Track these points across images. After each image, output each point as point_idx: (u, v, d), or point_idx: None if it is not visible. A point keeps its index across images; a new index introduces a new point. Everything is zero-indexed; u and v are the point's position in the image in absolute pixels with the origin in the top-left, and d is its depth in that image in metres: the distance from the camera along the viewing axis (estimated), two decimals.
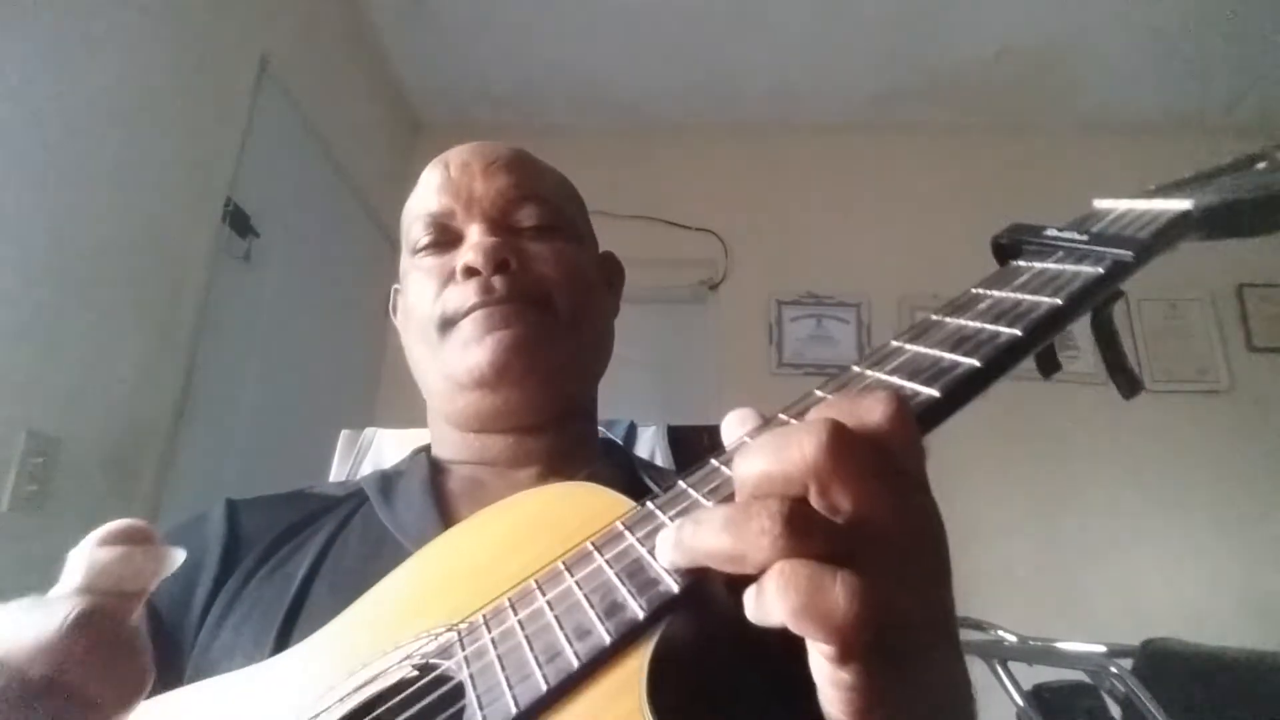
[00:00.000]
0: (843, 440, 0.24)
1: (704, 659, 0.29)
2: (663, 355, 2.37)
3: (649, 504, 0.31)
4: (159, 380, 1.44)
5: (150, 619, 0.46)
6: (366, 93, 2.43)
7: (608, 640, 0.26)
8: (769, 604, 0.23)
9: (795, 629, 0.23)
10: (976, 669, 1.41)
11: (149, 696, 0.37)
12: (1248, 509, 2.18)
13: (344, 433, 0.90)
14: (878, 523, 0.24)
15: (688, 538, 0.26)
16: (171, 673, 0.44)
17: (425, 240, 0.57)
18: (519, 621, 0.29)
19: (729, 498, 0.28)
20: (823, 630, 0.22)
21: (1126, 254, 0.33)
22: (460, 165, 0.59)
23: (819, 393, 0.32)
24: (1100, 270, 0.32)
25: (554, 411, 0.56)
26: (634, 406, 0.99)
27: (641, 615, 0.26)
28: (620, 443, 0.83)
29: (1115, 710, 1.33)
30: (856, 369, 0.32)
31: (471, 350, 0.52)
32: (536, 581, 0.31)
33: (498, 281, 0.53)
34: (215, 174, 1.61)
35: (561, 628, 0.28)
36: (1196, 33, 2.21)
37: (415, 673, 0.31)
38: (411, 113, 2.72)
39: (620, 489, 0.53)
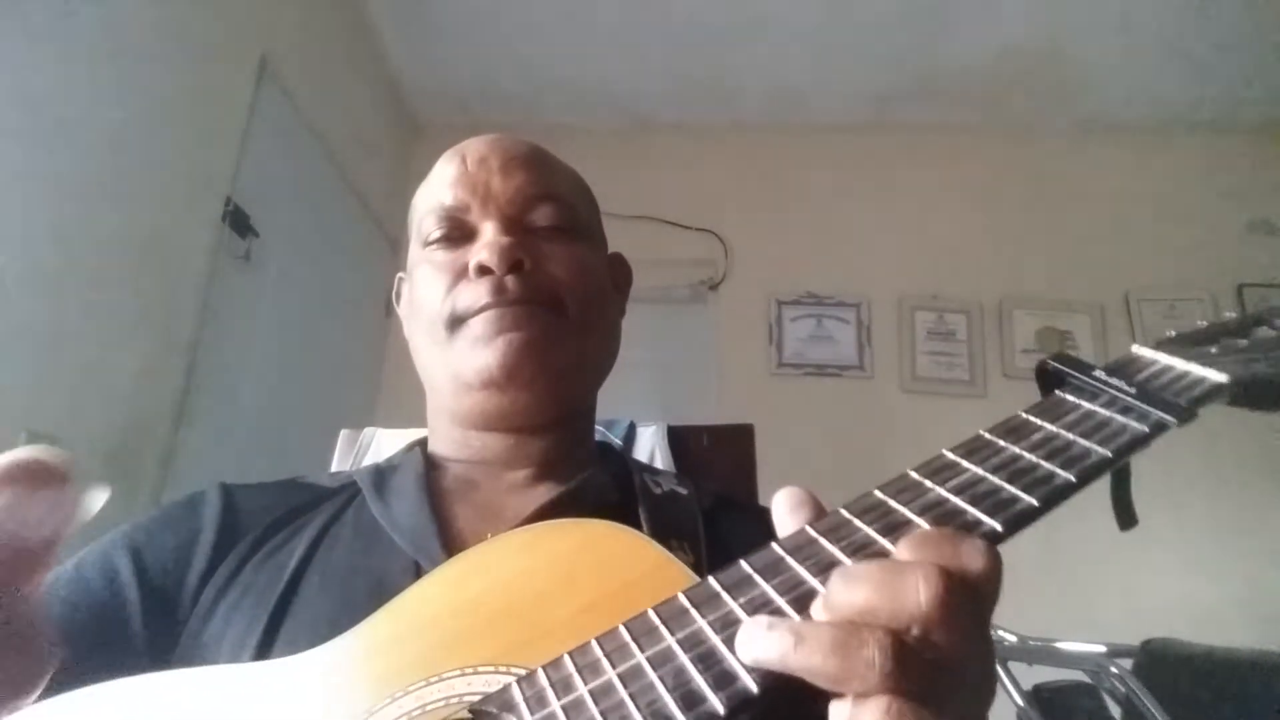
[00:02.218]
0: (953, 592, 0.25)
1: None
2: (663, 355, 2.37)
3: (712, 581, 0.31)
4: (159, 380, 1.44)
5: (141, 590, 0.46)
6: (366, 93, 2.43)
7: None
8: None
9: None
10: None
11: (145, 670, 0.36)
12: (1247, 509, 2.18)
13: (344, 432, 0.91)
14: (967, 666, 0.26)
15: (784, 646, 0.26)
16: (163, 647, 0.45)
17: (438, 233, 0.57)
18: (589, 692, 0.28)
19: (803, 599, 0.29)
20: None
21: (1170, 419, 0.36)
22: (478, 159, 0.58)
23: (880, 494, 0.33)
24: (1145, 429, 0.35)
25: (558, 413, 0.56)
26: (634, 406, 0.99)
27: (722, 711, 0.26)
28: (620, 443, 0.84)
29: (1115, 710, 1.33)
30: (914, 476, 0.34)
31: (481, 350, 0.52)
32: (599, 645, 0.30)
33: (510, 282, 0.52)
34: (215, 174, 1.61)
35: (638, 709, 0.27)
36: (1196, 33, 2.21)
37: (469, 716, 0.31)
38: (411, 113, 2.72)
39: (611, 494, 0.54)
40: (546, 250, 0.56)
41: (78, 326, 1.25)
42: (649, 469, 0.62)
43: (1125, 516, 0.39)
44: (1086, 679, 1.37)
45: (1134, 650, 1.37)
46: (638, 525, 0.50)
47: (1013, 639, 1.55)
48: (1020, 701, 1.33)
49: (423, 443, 0.62)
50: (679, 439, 0.88)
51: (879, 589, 0.26)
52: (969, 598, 0.26)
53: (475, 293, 0.53)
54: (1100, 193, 2.53)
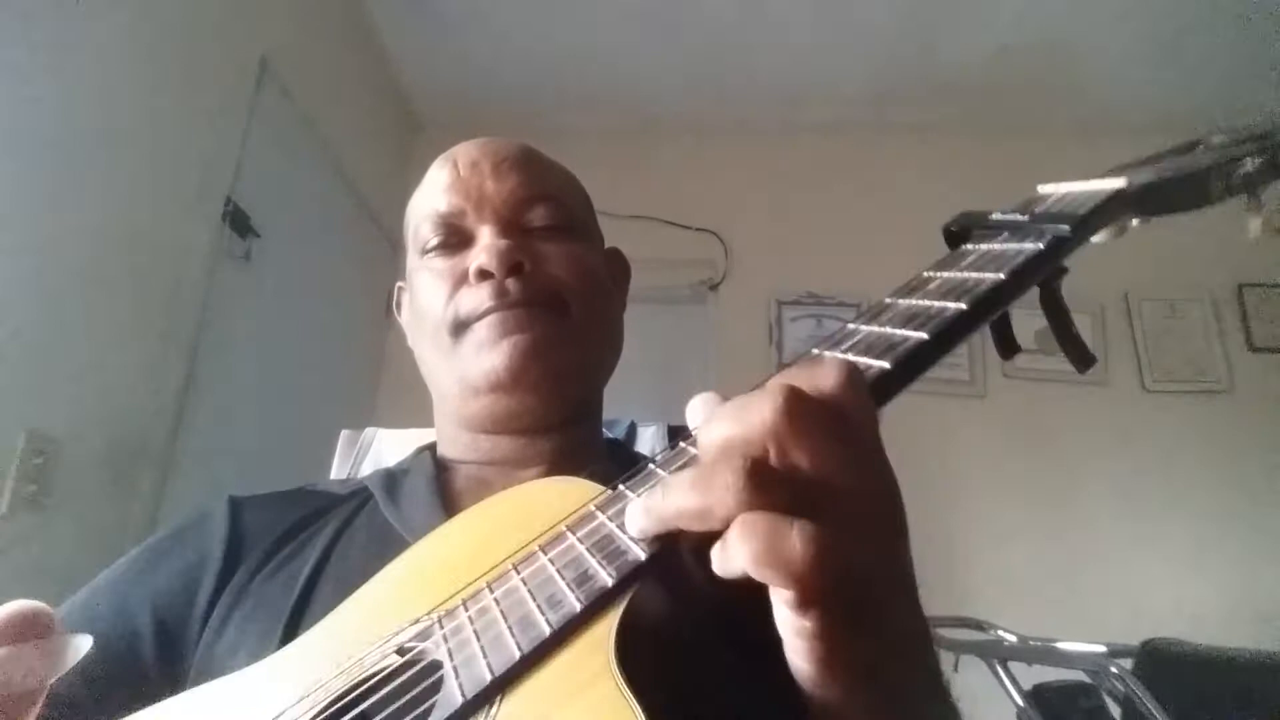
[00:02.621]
0: (798, 403, 0.26)
1: (673, 624, 0.31)
2: (663, 355, 2.37)
3: (620, 485, 0.32)
4: (159, 380, 1.44)
5: (154, 623, 0.46)
6: (366, 93, 2.43)
7: (578, 607, 0.27)
8: (732, 553, 0.24)
9: (756, 575, 0.24)
10: (977, 669, 1.41)
11: (160, 698, 0.36)
12: (1248, 509, 2.18)
13: (344, 433, 0.90)
14: (834, 479, 0.25)
15: (655, 502, 0.27)
16: (175, 676, 0.44)
17: (435, 241, 0.57)
18: (495, 599, 0.31)
19: None
20: (781, 575, 0.23)
21: (1064, 229, 0.35)
22: (469, 164, 0.58)
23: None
24: (1040, 246, 0.34)
25: (566, 413, 0.56)
26: (634, 406, 0.99)
27: (611, 582, 0.27)
28: (624, 442, 0.83)
29: (1115, 710, 1.33)
30: (815, 351, 0.34)
31: (487, 354, 0.52)
32: (513, 565, 0.32)
33: (511, 284, 0.52)
34: (215, 174, 1.61)
35: (535, 600, 0.29)
36: (1196, 33, 2.21)
37: (397, 658, 0.32)
38: (411, 113, 2.72)
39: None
40: (545, 250, 0.56)
41: (78, 326, 1.25)
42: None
43: (1077, 356, 0.38)
44: (1086, 679, 1.37)
45: (1134, 650, 1.37)
46: None
47: (1013, 639, 1.55)
48: (1020, 701, 1.33)
49: (431, 447, 0.62)
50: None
51: (731, 419, 0.27)
52: (823, 411, 0.26)
53: (477, 297, 0.53)
54: None
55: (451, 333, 0.54)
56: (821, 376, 0.27)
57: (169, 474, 1.45)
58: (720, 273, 2.57)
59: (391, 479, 0.55)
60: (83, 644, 0.28)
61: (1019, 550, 2.16)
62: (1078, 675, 1.38)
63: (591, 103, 2.63)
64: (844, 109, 2.61)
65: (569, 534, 0.31)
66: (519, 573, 0.31)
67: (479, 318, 0.53)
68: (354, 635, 0.35)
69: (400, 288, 0.65)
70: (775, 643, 0.26)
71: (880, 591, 0.26)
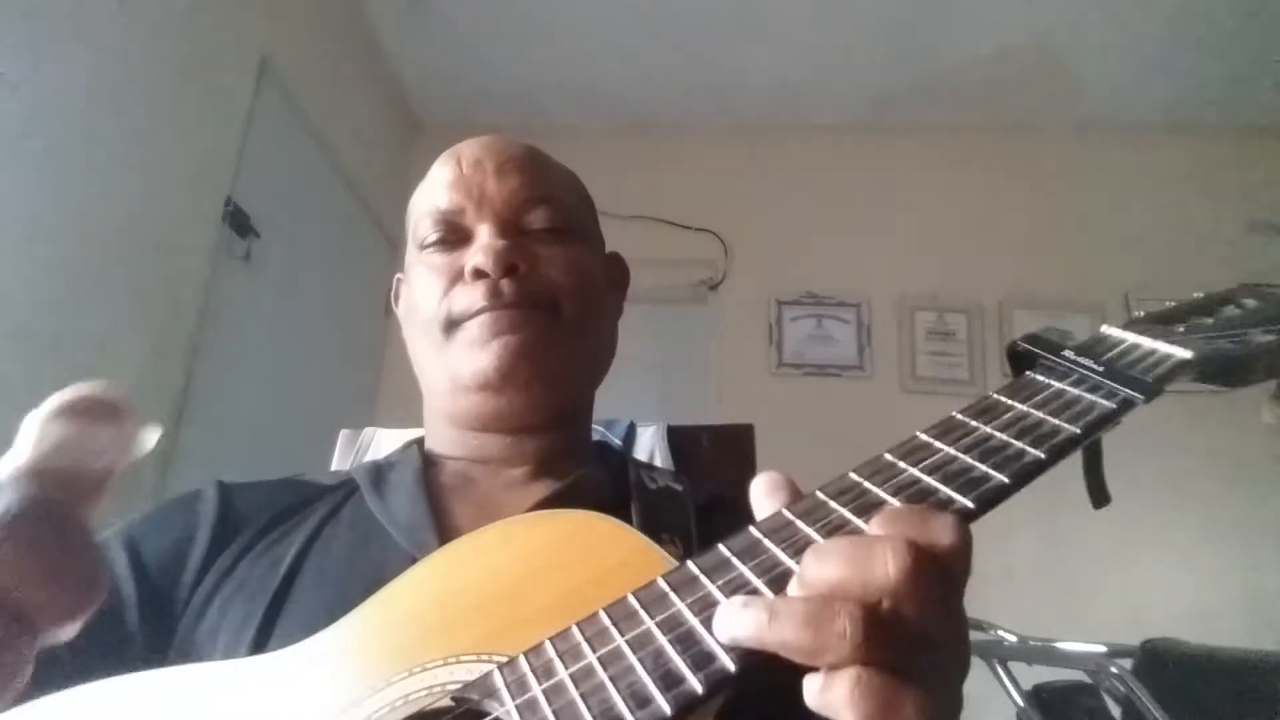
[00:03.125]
0: (922, 564, 0.26)
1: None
2: (663, 355, 2.37)
3: (690, 565, 0.31)
4: (159, 380, 1.44)
5: (137, 585, 0.46)
6: (366, 93, 2.43)
7: (669, 712, 0.26)
8: (838, 703, 0.25)
9: None
10: (977, 669, 1.41)
11: (141, 665, 0.36)
12: (1247, 509, 2.18)
13: (343, 432, 0.91)
14: (937, 639, 0.26)
15: (759, 623, 0.26)
16: (159, 643, 0.45)
17: (433, 237, 0.57)
18: (570, 676, 0.29)
19: (780, 579, 0.29)
20: None
21: (1138, 396, 0.37)
22: (472, 162, 0.58)
23: (854, 476, 0.34)
24: (1113, 406, 0.36)
25: (553, 414, 0.56)
26: (634, 406, 0.99)
27: (700, 691, 0.26)
28: (620, 443, 0.84)
29: (1115, 710, 1.33)
30: (889, 458, 0.35)
31: (477, 353, 0.52)
32: (580, 631, 0.30)
33: (506, 285, 0.53)
34: (215, 174, 1.61)
35: (616, 689, 0.27)
36: (1196, 33, 2.20)
37: (452, 704, 0.31)
38: (411, 113, 2.72)
39: (607, 489, 0.54)
40: (542, 253, 0.56)
41: (78, 326, 1.25)
42: (646, 466, 0.63)
43: (1098, 495, 0.40)
44: (1086, 679, 1.37)
45: (1134, 650, 1.37)
46: (630, 520, 0.50)
47: (1013, 639, 1.55)
48: (1020, 701, 1.33)
49: (420, 441, 0.62)
50: (679, 439, 0.88)
51: (849, 563, 0.26)
52: (938, 571, 0.26)
53: (471, 296, 0.53)
54: (1100, 193, 2.53)
55: (443, 329, 0.54)
56: (939, 533, 0.27)
57: (169, 474, 1.45)
58: (720, 273, 2.57)
59: (378, 472, 0.56)
60: (152, 435, 0.28)
61: (1019, 550, 2.16)
62: (1078, 675, 1.38)
63: (591, 103, 2.63)
64: (844, 109, 2.61)
65: (642, 613, 0.30)
66: (592, 647, 0.29)
67: (471, 316, 0.53)
68: (385, 653, 0.34)
69: (399, 280, 0.66)
70: None
71: None
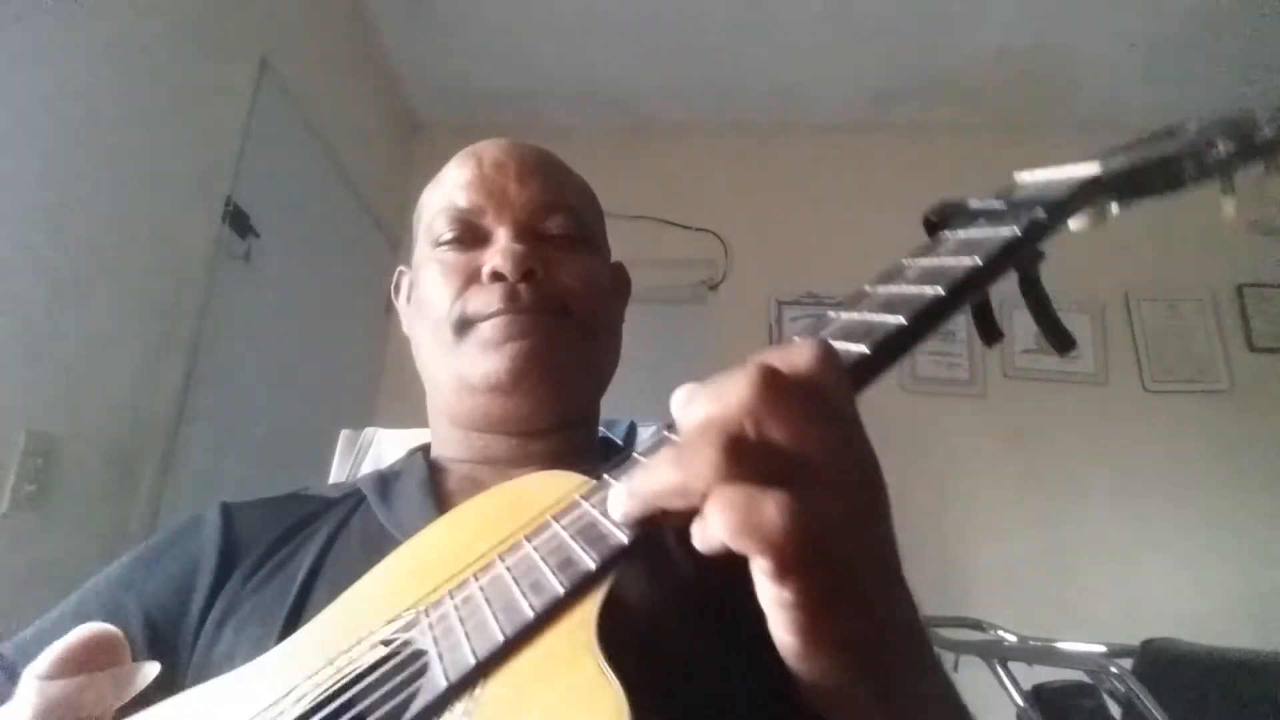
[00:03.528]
0: (774, 381, 0.26)
1: (657, 606, 0.31)
2: (663, 355, 2.35)
3: (605, 476, 0.32)
4: (159, 380, 1.44)
5: (146, 627, 0.46)
6: (366, 93, 2.43)
7: (561, 591, 0.27)
8: (710, 526, 0.24)
9: (734, 546, 0.24)
10: (977, 669, 1.41)
11: (141, 708, 0.36)
12: (1248, 509, 2.18)
13: (344, 433, 0.90)
14: (811, 454, 0.25)
15: (637, 484, 0.27)
16: (168, 681, 0.44)
17: (449, 234, 0.57)
18: (480, 587, 0.31)
19: None
20: (757, 543, 0.23)
21: (1040, 214, 0.35)
22: (494, 164, 0.58)
23: None
24: (1016, 230, 0.35)
25: (560, 418, 0.56)
26: (634, 406, 0.99)
27: (594, 565, 0.28)
28: (620, 443, 0.83)
29: (1115, 710, 1.33)
30: (796, 339, 0.34)
31: (489, 356, 0.52)
32: (499, 556, 0.32)
33: (523, 289, 0.53)
34: (215, 174, 1.61)
35: (518, 586, 0.29)
36: (1195, 33, 2.21)
37: (384, 650, 0.32)
38: (411, 113, 2.72)
39: None
40: (557, 259, 0.56)
41: (78, 326, 1.25)
42: None
43: (1056, 339, 0.38)
44: (1086, 679, 1.37)
45: (1134, 650, 1.37)
46: None
47: (1013, 639, 1.55)
48: (1020, 701, 1.34)
49: (425, 448, 0.62)
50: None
51: (709, 398, 0.27)
52: (801, 388, 0.26)
53: (487, 297, 0.53)
54: None
55: (455, 329, 0.54)
56: (796, 356, 0.28)
57: (169, 474, 1.45)
58: (720, 273, 2.57)
59: (384, 481, 0.55)
60: (150, 671, 0.29)
61: (1019, 550, 2.16)
62: (1078, 675, 1.38)
63: (591, 102, 2.63)
64: (844, 109, 2.61)
65: (553, 523, 0.32)
66: (504, 562, 0.32)
67: (486, 318, 0.53)
68: (341, 632, 0.35)
69: (402, 271, 0.65)
70: (760, 620, 0.26)
71: (861, 567, 0.26)
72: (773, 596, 0.25)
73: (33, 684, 0.28)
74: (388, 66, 2.50)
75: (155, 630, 0.46)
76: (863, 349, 0.31)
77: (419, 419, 0.64)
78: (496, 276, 0.53)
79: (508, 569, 0.31)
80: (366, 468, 0.84)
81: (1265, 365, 2.35)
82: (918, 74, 2.45)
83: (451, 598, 0.32)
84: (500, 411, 0.54)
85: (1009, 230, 0.35)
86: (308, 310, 2.02)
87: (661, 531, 0.28)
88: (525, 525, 0.33)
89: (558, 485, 0.36)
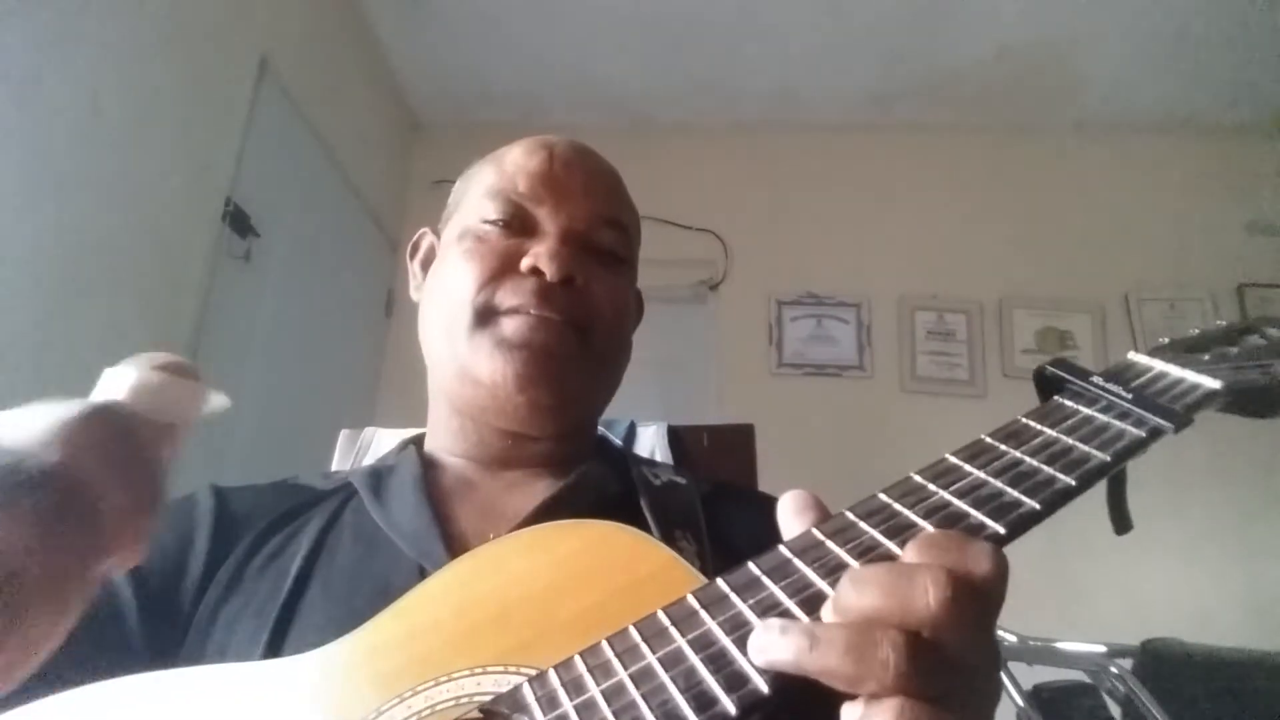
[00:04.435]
0: (961, 594, 0.25)
1: None
2: (663, 355, 2.36)
3: (720, 583, 0.31)
4: None
5: (136, 594, 0.45)
6: (366, 93, 2.43)
7: None
8: None
9: None
10: None
11: (145, 669, 0.36)
12: (1248, 509, 2.18)
13: (344, 432, 0.90)
14: (975, 667, 0.26)
15: (799, 648, 0.26)
16: (164, 647, 0.44)
17: (498, 215, 0.56)
18: (601, 693, 0.28)
19: (811, 600, 0.29)
20: None
21: (1168, 425, 0.36)
22: (565, 162, 0.58)
23: (883, 498, 0.33)
24: (1143, 434, 0.36)
25: (558, 429, 0.56)
26: (634, 406, 0.99)
27: (734, 712, 0.26)
28: (620, 443, 0.84)
29: (1115, 710, 1.33)
30: (918, 479, 0.34)
31: (504, 354, 0.52)
32: (610, 646, 0.30)
33: (558, 292, 0.52)
34: (215, 174, 1.61)
35: (650, 709, 0.27)
36: (1195, 33, 2.21)
37: (480, 715, 0.31)
38: (411, 113, 2.72)
39: (611, 485, 0.54)
40: (598, 274, 0.56)
41: (78, 326, 1.25)
42: (646, 462, 0.62)
43: (1121, 522, 0.40)
44: (1086, 679, 1.37)
45: (1134, 650, 1.37)
46: (639, 516, 0.50)
47: (1013, 639, 1.55)
48: (1020, 701, 1.33)
49: (417, 441, 0.62)
50: (679, 439, 0.88)
51: (889, 591, 0.26)
52: (976, 600, 0.26)
53: (518, 290, 0.53)
54: (1100, 193, 2.53)
55: (477, 315, 0.53)
56: (977, 561, 0.27)
57: (168, 474, 1.44)
58: (720, 273, 2.57)
59: (377, 477, 0.54)
60: (221, 401, 0.32)
61: (1018, 550, 2.14)
62: (1078, 675, 1.38)
63: (590, 102, 2.63)
64: (844, 109, 2.61)
65: (672, 630, 0.29)
66: (622, 663, 0.29)
67: (510, 312, 0.52)
68: (409, 663, 0.34)
69: (425, 233, 0.64)
70: None
71: None
72: None
73: (122, 371, 0.30)
74: (388, 66, 2.50)
75: (147, 597, 0.45)
76: (999, 530, 0.31)
77: (419, 419, 0.64)
78: (535, 272, 0.52)
79: (631, 678, 0.28)
80: None
81: None
82: (918, 74, 2.45)
83: (565, 690, 0.29)
84: (499, 410, 0.54)
85: (1136, 432, 0.36)
86: (308, 310, 2.02)
87: (798, 689, 0.27)
88: (616, 598, 0.32)
89: (648, 557, 0.35)
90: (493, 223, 0.56)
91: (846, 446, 2.22)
